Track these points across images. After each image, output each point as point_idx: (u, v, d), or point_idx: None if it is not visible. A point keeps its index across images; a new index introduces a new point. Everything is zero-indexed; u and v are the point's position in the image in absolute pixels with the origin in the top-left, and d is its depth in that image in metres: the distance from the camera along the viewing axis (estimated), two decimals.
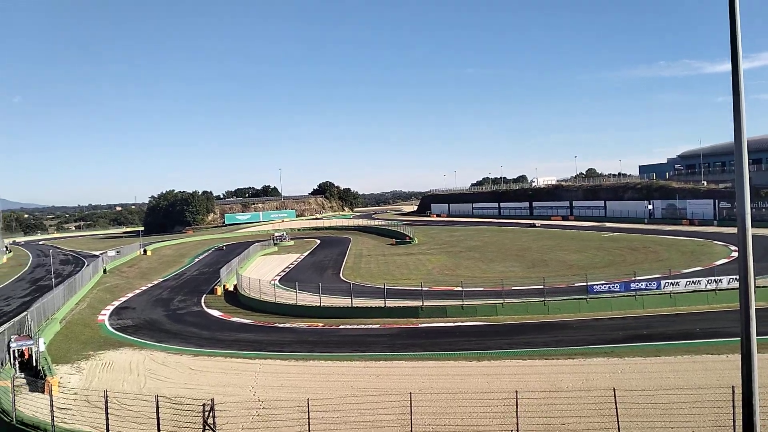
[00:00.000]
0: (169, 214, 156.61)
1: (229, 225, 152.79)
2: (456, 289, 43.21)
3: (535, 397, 21.01)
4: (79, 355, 32.79)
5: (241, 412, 21.73)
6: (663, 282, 40.39)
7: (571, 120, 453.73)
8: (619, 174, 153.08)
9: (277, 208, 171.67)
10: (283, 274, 64.93)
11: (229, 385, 26.46)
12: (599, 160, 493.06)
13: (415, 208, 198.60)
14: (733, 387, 15.27)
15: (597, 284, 41.50)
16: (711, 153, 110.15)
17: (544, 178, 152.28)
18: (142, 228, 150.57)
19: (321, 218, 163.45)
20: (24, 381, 26.72)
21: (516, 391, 18.44)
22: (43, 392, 24.56)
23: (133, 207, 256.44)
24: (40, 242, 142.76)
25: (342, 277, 59.43)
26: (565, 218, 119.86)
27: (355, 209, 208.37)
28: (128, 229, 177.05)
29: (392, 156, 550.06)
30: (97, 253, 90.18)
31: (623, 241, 76.06)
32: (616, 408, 17.70)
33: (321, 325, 38.79)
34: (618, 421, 17.73)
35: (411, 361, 29.11)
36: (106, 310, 47.42)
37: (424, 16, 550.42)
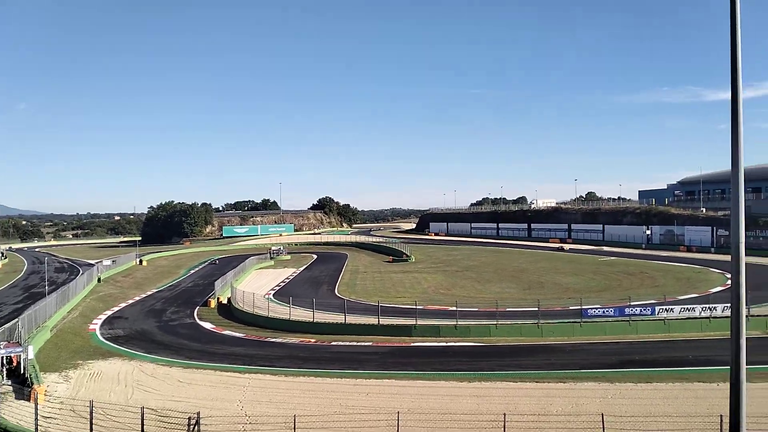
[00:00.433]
0: (167, 224, 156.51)
1: (227, 237, 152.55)
2: (451, 308, 43.04)
3: (524, 420, 20.86)
4: (67, 364, 32.56)
5: (228, 427, 21.57)
6: (657, 308, 40.25)
7: (573, 143, 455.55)
8: (619, 198, 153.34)
9: (275, 222, 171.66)
10: (278, 288, 64.72)
11: (217, 398, 26.23)
12: (599, 183, 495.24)
13: (414, 226, 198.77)
14: (721, 416, 15.17)
15: (591, 308, 41.33)
16: (711, 180, 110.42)
17: (543, 200, 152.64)
18: (140, 238, 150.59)
19: (319, 233, 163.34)
20: (10, 388, 26.52)
21: (504, 414, 18.31)
22: (29, 400, 24.34)
23: (131, 217, 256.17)
24: (37, 249, 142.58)
25: (337, 293, 59.24)
26: (563, 241, 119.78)
27: (354, 225, 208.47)
28: (126, 239, 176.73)
29: (392, 173, 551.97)
30: (92, 261, 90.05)
31: (620, 266, 75.96)
32: None
33: (313, 341, 38.58)
34: None
35: (402, 379, 28.90)
36: (98, 320, 47.18)
37: (427, 35, 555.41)
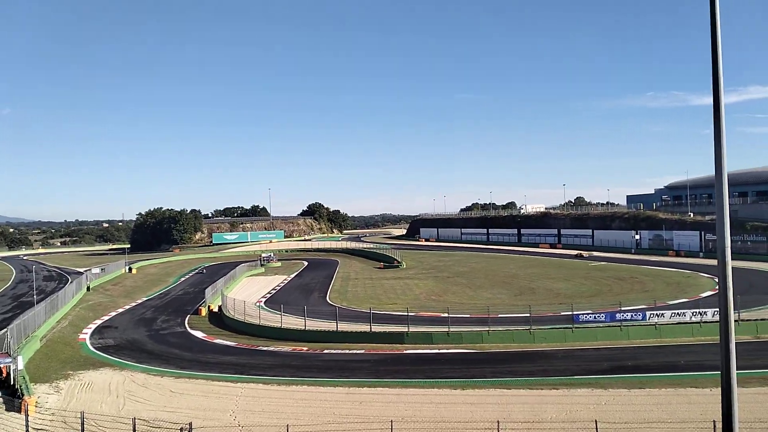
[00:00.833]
0: (156, 232, 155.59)
1: (217, 244, 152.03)
2: (443, 315, 43.05)
3: (518, 428, 20.89)
4: (58, 375, 32.25)
5: None
6: (648, 313, 40.48)
7: (561, 148, 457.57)
8: (608, 203, 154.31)
9: (265, 229, 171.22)
10: (269, 296, 64.47)
11: (209, 408, 26.06)
12: (587, 188, 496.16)
13: (404, 231, 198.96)
14: (714, 421, 15.23)
15: (583, 314, 41.55)
16: (698, 185, 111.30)
17: (532, 205, 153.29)
18: (129, 245, 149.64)
19: (310, 240, 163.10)
20: (0, 400, 26.22)
21: (498, 421, 18.32)
22: (19, 412, 24.11)
23: (120, 224, 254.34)
24: (25, 257, 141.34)
25: (328, 301, 59.10)
26: (553, 246, 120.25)
27: (345, 231, 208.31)
28: (114, 246, 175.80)
29: (382, 179, 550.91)
30: (81, 270, 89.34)
31: (610, 271, 76.36)
32: None
33: (305, 349, 38.45)
34: None
35: (395, 388, 28.83)
36: (88, 329, 46.80)
37: (417, 40, 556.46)
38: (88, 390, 29.65)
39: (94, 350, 39.69)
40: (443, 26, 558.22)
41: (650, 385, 27.39)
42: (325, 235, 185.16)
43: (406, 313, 41.84)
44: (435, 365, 33.37)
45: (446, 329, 38.91)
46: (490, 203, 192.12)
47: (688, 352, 34.17)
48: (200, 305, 55.22)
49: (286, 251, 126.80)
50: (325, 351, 37.61)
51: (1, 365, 28.61)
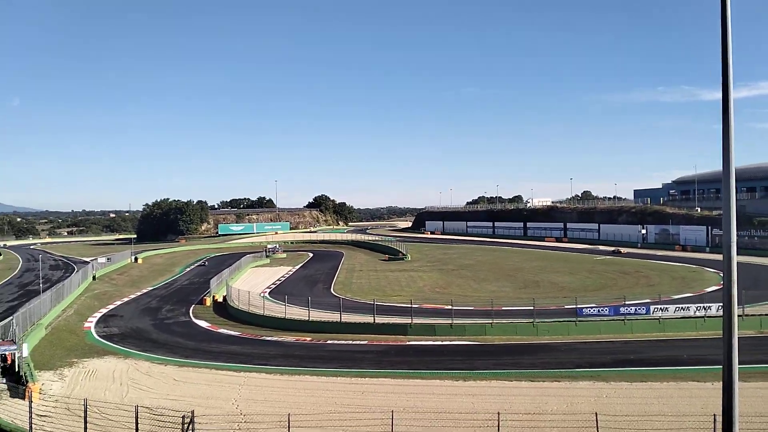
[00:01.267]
0: (162, 222, 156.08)
1: (223, 235, 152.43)
2: (446, 307, 43.09)
3: (519, 419, 20.90)
4: (62, 362, 32.50)
5: (222, 426, 21.56)
6: (652, 307, 40.41)
7: (569, 142, 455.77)
8: (615, 197, 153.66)
9: (271, 220, 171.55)
10: (273, 286, 64.68)
11: (212, 397, 26.22)
12: (594, 182, 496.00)
13: (410, 224, 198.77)
14: (714, 415, 15.20)
15: (586, 307, 41.47)
16: (705, 179, 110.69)
17: (539, 199, 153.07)
18: (135, 235, 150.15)
19: (315, 231, 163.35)
20: (5, 386, 26.43)
21: (498, 413, 18.36)
22: (23, 398, 24.26)
23: (126, 214, 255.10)
24: (32, 247, 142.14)
25: (333, 292, 59.24)
26: (559, 240, 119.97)
27: (350, 224, 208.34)
28: (121, 236, 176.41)
29: (389, 172, 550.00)
30: (87, 259, 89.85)
31: (615, 265, 76.17)
32: None
33: (309, 339, 38.59)
34: None
35: (397, 378, 28.92)
36: (93, 318, 47.11)
37: (425, 33, 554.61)
38: (92, 377, 29.87)
39: (99, 338, 39.94)
40: (452, 19, 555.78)
41: (652, 379, 27.38)
42: (331, 227, 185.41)
43: (409, 305, 41.90)
44: (438, 356, 33.44)
45: (449, 321, 38.94)
46: (496, 197, 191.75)
47: (690, 346, 34.12)
48: (205, 295, 55.44)
49: (292, 243, 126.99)
50: (329, 342, 37.74)
51: (7, 352, 28.81)
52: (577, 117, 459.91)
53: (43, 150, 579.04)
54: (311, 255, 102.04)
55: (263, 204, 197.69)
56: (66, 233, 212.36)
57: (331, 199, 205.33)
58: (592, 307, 41.67)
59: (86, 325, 44.27)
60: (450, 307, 41.26)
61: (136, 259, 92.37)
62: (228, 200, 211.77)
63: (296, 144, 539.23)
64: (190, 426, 19.70)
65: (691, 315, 39.32)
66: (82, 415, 20.34)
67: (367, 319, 40.86)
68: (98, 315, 48.50)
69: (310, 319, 42.02)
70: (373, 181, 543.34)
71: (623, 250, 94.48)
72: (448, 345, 36.02)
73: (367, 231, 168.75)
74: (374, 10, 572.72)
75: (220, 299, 54.21)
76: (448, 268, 77.53)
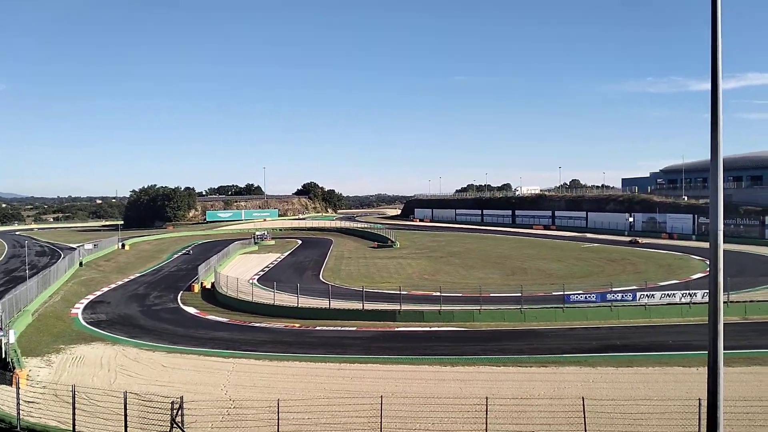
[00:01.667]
0: (149, 209, 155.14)
1: (211, 222, 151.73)
2: (435, 294, 43.24)
3: (507, 404, 21.03)
4: (49, 349, 32.35)
5: (211, 411, 21.56)
6: (639, 294, 40.76)
7: (557, 130, 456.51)
8: (602, 186, 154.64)
9: (259, 207, 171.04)
10: (262, 273, 64.60)
11: (201, 383, 26.23)
12: (583, 171, 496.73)
13: (399, 212, 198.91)
14: (699, 399, 15.42)
15: (574, 294, 41.82)
16: (692, 169, 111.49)
17: (527, 187, 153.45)
18: (122, 222, 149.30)
19: (304, 219, 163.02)
20: None
21: (486, 398, 18.49)
22: (10, 385, 24.16)
23: (113, 201, 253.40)
24: (17, 233, 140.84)
25: (321, 279, 59.26)
26: (547, 227, 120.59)
27: (339, 211, 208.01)
28: (107, 223, 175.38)
29: (378, 159, 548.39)
30: (74, 245, 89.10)
31: (602, 252, 76.73)
32: (584, 417, 17.83)
33: (297, 325, 38.63)
34: (585, 430, 17.85)
35: (386, 364, 29.08)
36: (80, 304, 46.86)
37: (415, 22, 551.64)
38: (80, 364, 29.77)
39: (87, 325, 39.76)
40: (441, 7, 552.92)
41: (638, 364, 27.70)
42: (320, 214, 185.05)
43: (398, 292, 42.01)
44: (426, 342, 33.59)
45: (438, 308, 39.12)
46: (485, 185, 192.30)
47: (676, 332, 34.52)
48: (193, 282, 55.30)
49: (280, 230, 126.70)
50: (318, 328, 37.81)
51: None
52: (567, 106, 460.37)
53: (29, 135, 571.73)
54: (300, 242, 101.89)
55: (251, 191, 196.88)
56: (52, 219, 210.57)
57: (320, 186, 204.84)
58: (579, 294, 42.03)
59: (73, 311, 44.04)
60: (438, 293, 41.41)
61: (123, 245, 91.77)
62: (216, 187, 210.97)
63: (285, 130, 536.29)
64: (179, 412, 19.68)
65: (677, 301, 39.74)
66: (70, 401, 20.28)
67: (356, 305, 40.93)
68: (85, 301, 48.25)
69: (299, 305, 42.04)
70: (362, 168, 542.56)
71: (641, 239, 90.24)
72: (436, 331, 36.19)
73: (356, 218, 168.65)
74: None
75: (209, 286, 54.05)
76: (436, 256, 77.74)
